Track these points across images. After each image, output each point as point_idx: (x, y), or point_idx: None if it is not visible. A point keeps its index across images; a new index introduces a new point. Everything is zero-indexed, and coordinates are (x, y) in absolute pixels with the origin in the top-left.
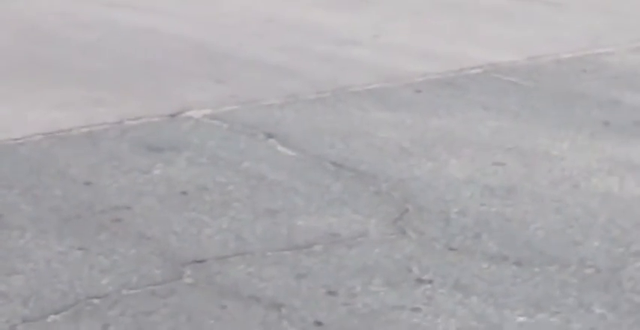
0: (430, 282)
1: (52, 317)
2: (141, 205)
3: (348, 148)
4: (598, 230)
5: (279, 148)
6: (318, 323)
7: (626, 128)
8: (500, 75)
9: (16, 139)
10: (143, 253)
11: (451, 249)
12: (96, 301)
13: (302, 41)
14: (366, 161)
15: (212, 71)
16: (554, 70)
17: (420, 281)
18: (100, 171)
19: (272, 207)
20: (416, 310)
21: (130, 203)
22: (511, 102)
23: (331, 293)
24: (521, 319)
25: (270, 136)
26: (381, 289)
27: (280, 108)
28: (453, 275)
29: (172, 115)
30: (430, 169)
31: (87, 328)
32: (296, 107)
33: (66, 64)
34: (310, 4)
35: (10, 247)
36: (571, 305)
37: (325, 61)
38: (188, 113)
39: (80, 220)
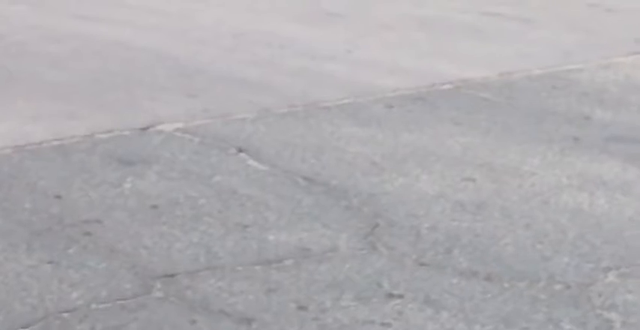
0: (400, 297)
1: None
2: (111, 218)
3: (319, 162)
4: (567, 246)
5: (251, 162)
6: None
7: (596, 144)
8: (471, 91)
9: None
10: (113, 267)
11: (422, 264)
12: (65, 315)
13: (274, 56)
14: (337, 176)
15: (184, 85)
16: (525, 86)
17: (390, 296)
18: (71, 184)
19: (243, 221)
20: (386, 325)
21: (100, 217)
22: (482, 118)
23: (301, 308)
24: None
25: (241, 150)
26: (352, 304)
27: (252, 122)
28: (424, 290)
29: (143, 129)
30: (401, 184)
31: None
32: (267, 121)
33: (37, 77)
34: (283, 18)
35: None
36: (540, 321)
37: (297, 76)
38: (159, 127)
39: (50, 233)
